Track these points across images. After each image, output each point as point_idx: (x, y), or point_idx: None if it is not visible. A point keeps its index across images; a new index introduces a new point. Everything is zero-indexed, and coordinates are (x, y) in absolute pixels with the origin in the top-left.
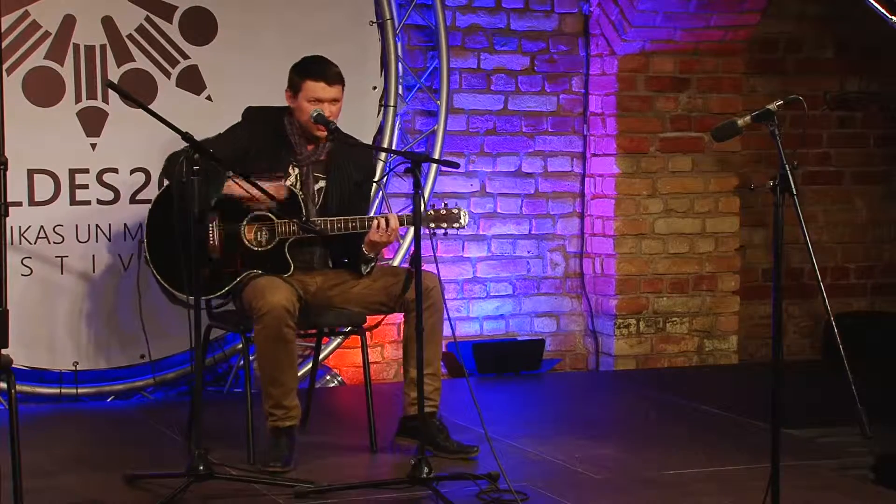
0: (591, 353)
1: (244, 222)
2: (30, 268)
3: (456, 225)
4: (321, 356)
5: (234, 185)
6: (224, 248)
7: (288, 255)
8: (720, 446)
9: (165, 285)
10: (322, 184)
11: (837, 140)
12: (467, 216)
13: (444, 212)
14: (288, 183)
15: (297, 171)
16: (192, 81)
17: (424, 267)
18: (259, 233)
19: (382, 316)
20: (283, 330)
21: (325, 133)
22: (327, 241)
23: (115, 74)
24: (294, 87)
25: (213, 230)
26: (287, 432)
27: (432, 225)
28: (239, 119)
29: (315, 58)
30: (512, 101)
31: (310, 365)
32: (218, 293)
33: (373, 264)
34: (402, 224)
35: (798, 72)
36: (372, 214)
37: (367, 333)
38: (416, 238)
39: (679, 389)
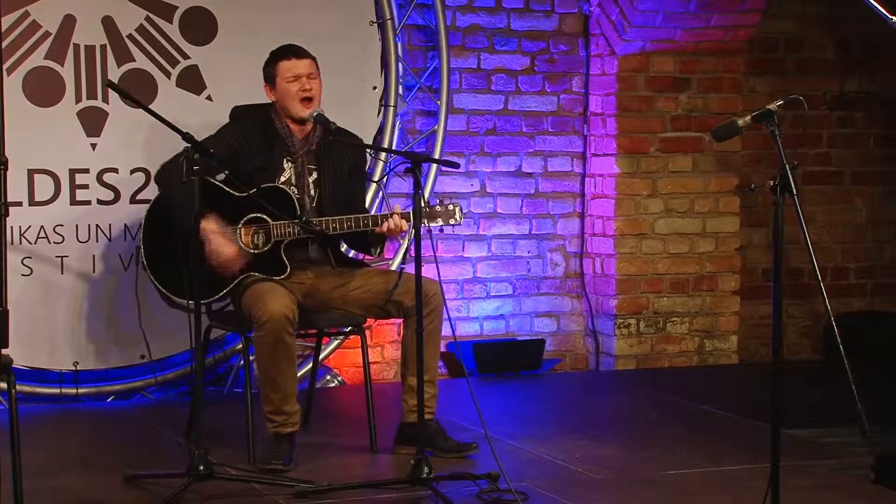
0: (591, 353)
1: (240, 225)
2: (30, 268)
3: (451, 221)
4: (321, 356)
5: (206, 228)
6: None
7: (284, 257)
8: (720, 446)
9: (164, 291)
10: (315, 175)
11: (837, 140)
12: (461, 212)
13: (438, 208)
14: (283, 178)
15: (291, 165)
16: (192, 81)
17: (424, 267)
18: (255, 235)
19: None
20: (284, 336)
21: (311, 105)
22: (328, 238)
23: (115, 74)
24: (270, 78)
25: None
26: (288, 438)
27: (427, 222)
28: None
29: (280, 46)
30: (512, 101)
31: (310, 365)
32: (215, 297)
33: (381, 246)
34: (407, 220)
35: (798, 72)
36: (372, 213)
37: (367, 333)
38: (417, 239)
39: (679, 389)
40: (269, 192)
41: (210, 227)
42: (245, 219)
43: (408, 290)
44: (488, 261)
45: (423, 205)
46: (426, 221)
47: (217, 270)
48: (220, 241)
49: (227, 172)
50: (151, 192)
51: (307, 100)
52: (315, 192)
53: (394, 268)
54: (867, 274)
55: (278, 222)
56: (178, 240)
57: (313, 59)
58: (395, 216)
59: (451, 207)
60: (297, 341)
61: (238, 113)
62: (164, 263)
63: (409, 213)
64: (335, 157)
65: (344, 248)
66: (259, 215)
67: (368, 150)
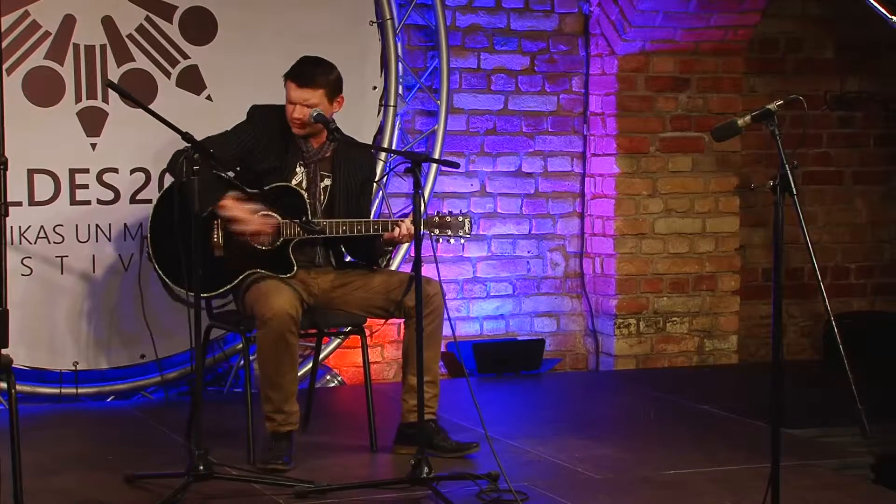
0: (591, 352)
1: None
2: (30, 268)
3: (460, 233)
4: (321, 356)
5: (229, 204)
6: (227, 246)
7: (291, 256)
8: (720, 446)
9: (167, 281)
10: (327, 182)
11: (837, 140)
12: (471, 225)
13: (448, 219)
14: (295, 182)
15: (304, 169)
16: (192, 81)
17: (424, 267)
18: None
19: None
20: (287, 335)
21: (303, 131)
22: (336, 242)
23: (115, 74)
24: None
25: (216, 228)
26: (287, 437)
27: (436, 232)
28: (241, 118)
29: (303, 58)
30: (512, 100)
31: (310, 365)
32: (219, 291)
33: (387, 257)
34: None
35: (798, 72)
36: (372, 214)
37: (367, 333)
38: (416, 238)
39: (679, 389)
40: (281, 192)
41: (229, 204)
42: (255, 216)
43: (408, 290)
44: (488, 261)
45: (425, 208)
46: (436, 231)
47: (253, 241)
48: (245, 214)
49: (227, 173)
50: (151, 191)
51: (298, 125)
52: (325, 198)
53: (394, 268)
54: (867, 274)
55: (287, 221)
56: (180, 233)
57: (319, 88)
58: (407, 222)
59: (461, 219)
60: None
61: (256, 112)
62: (169, 255)
63: (419, 220)
64: (350, 169)
65: (349, 260)
66: (269, 213)
67: (369, 150)
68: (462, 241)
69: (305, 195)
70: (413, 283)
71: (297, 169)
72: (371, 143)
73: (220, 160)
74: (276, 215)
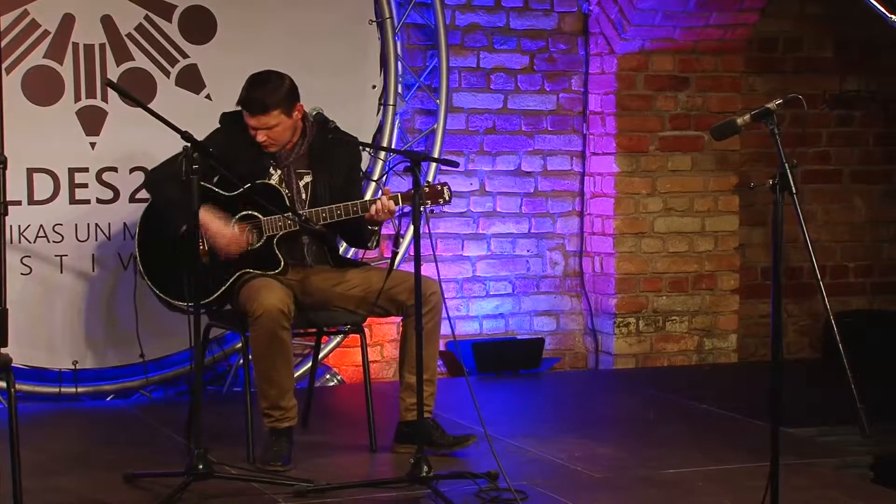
0: (590, 351)
1: (231, 224)
2: (29, 267)
3: (441, 201)
4: (321, 355)
5: (206, 218)
6: (213, 252)
7: (277, 251)
8: (719, 445)
9: (163, 296)
10: (307, 179)
11: (837, 139)
12: (450, 191)
13: (427, 189)
14: (272, 182)
15: (278, 171)
16: (191, 80)
17: (423, 266)
18: (250, 234)
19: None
20: (278, 331)
21: (275, 148)
22: (323, 236)
23: (114, 73)
24: None
25: (201, 235)
26: (285, 433)
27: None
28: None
29: (250, 80)
30: (511, 99)
31: (309, 364)
32: (212, 297)
33: (377, 237)
34: (396, 203)
35: (797, 71)
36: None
37: (367, 332)
38: (416, 237)
39: (679, 389)
40: (259, 189)
41: (204, 215)
42: (237, 217)
43: (406, 288)
44: (488, 260)
45: (420, 201)
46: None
47: (223, 253)
48: (219, 225)
49: (223, 171)
50: None
51: (266, 146)
52: (307, 195)
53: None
54: (866, 273)
55: (269, 217)
56: (174, 240)
57: (272, 110)
58: (383, 198)
59: (439, 187)
60: (296, 340)
61: (225, 119)
62: (160, 269)
63: (397, 195)
64: (331, 160)
65: (343, 247)
66: (250, 212)
67: (368, 150)
68: (442, 207)
69: (286, 191)
70: (400, 276)
71: (272, 171)
72: (371, 141)
73: (220, 160)
74: (255, 215)
